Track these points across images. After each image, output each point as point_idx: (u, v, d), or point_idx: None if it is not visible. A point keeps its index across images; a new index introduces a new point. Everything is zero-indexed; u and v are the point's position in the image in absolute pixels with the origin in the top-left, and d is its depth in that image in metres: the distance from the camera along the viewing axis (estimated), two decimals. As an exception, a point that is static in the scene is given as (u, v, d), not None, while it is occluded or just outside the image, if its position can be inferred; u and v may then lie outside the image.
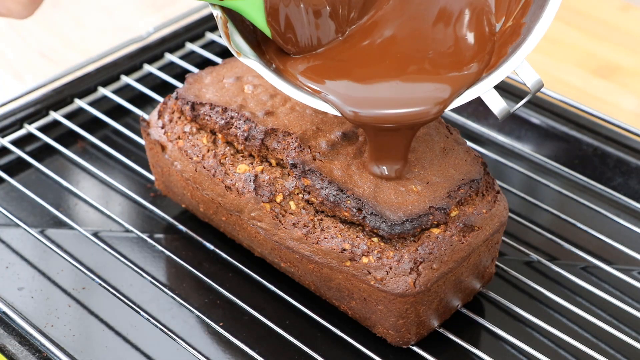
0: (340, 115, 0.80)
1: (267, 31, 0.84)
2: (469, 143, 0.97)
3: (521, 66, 0.81)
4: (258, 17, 0.83)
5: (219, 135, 0.91)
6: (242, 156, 0.90)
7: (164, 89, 1.16)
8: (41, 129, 1.11)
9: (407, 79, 0.83)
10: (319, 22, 0.85)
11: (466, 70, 0.82)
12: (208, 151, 0.91)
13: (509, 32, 0.83)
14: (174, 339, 0.87)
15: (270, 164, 0.88)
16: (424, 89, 0.82)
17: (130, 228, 0.98)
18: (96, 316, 0.91)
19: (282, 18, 0.83)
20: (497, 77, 0.81)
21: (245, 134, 0.89)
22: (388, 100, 0.82)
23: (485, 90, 0.81)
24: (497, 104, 0.81)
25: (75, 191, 1.02)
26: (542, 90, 1.10)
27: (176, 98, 0.95)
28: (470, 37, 0.84)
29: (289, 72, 0.83)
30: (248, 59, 0.81)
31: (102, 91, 1.15)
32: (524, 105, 1.13)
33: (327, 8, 0.84)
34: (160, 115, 0.96)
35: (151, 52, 1.20)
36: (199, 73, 0.97)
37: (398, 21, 0.86)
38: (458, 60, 0.83)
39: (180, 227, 0.98)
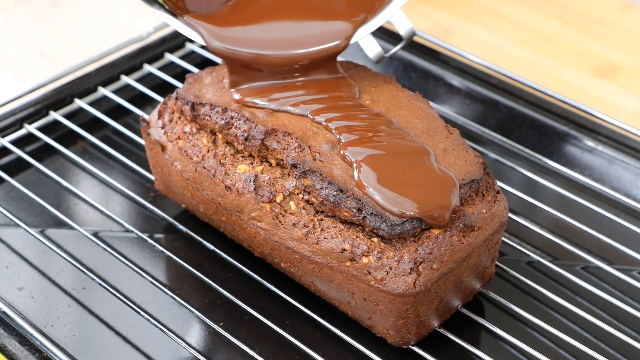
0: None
1: None
2: (469, 143, 0.97)
3: (396, 15, 0.90)
4: None
5: (219, 136, 0.91)
6: (242, 156, 0.90)
7: (164, 89, 1.16)
8: (41, 129, 1.11)
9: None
10: None
11: (350, 16, 0.91)
12: (208, 151, 0.91)
13: None
14: (174, 339, 0.87)
15: (270, 164, 0.88)
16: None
17: (130, 228, 0.98)
18: (96, 316, 0.91)
19: None
20: (373, 24, 0.90)
21: (245, 134, 0.89)
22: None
23: (362, 36, 0.91)
24: (373, 49, 0.93)
25: (75, 191, 1.02)
26: (542, 89, 1.10)
27: (176, 98, 0.95)
28: None
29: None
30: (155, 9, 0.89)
31: (102, 91, 1.15)
32: (523, 105, 1.14)
33: None
34: (160, 115, 0.96)
35: (151, 52, 1.20)
36: (199, 73, 0.97)
37: None
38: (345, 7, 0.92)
39: (180, 227, 0.98)
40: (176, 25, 0.91)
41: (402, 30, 0.91)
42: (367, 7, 0.91)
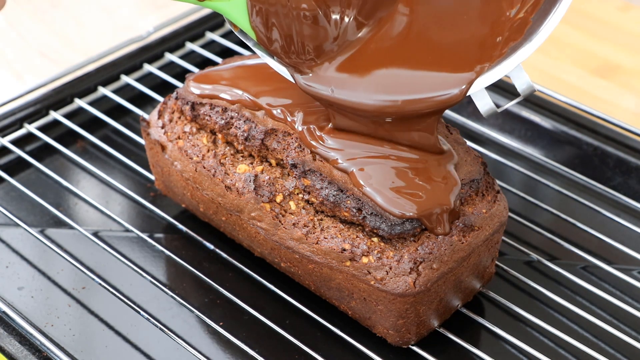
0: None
1: (251, 34, 0.82)
2: (469, 143, 0.97)
3: (515, 69, 0.81)
4: (241, 19, 0.81)
5: (219, 135, 0.91)
6: (242, 156, 0.90)
7: (164, 88, 1.16)
8: (41, 128, 1.11)
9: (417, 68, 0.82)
10: (311, 26, 0.81)
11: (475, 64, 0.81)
12: (208, 151, 0.91)
13: (514, 29, 0.81)
14: (174, 339, 0.87)
15: (270, 164, 0.88)
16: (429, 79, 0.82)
17: (130, 228, 0.98)
18: (96, 316, 0.91)
19: (266, 20, 0.80)
20: (491, 77, 0.80)
21: (245, 134, 0.89)
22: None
23: (476, 90, 0.81)
24: (485, 103, 0.82)
25: (75, 191, 1.02)
26: (543, 89, 1.10)
27: (176, 98, 0.95)
28: (484, 29, 0.81)
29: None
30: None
31: (102, 91, 1.15)
32: (523, 104, 1.14)
33: (319, 11, 0.81)
34: (160, 115, 0.96)
35: (151, 51, 1.20)
36: (199, 73, 0.97)
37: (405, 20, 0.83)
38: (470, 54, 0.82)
39: (180, 227, 0.98)
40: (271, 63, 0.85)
41: (520, 86, 0.82)
42: (485, 58, 0.81)
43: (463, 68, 0.81)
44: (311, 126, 0.86)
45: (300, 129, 0.86)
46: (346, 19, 0.82)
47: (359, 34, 0.83)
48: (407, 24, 0.83)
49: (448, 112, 1.14)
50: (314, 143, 0.85)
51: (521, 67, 0.81)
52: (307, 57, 0.82)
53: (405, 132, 0.83)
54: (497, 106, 0.85)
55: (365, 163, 0.83)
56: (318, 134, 0.85)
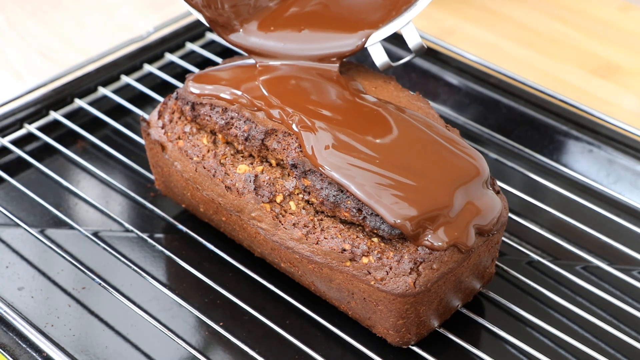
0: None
1: None
2: (469, 143, 0.96)
3: (406, 27, 0.92)
4: None
5: (219, 136, 0.91)
6: (242, 156, 0.90)
7: (164, 89, 1.16)
8: (41, 128, 1.11)
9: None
10: None
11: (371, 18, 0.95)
12: (208, 151, 0.91)
13: None
14: (174, 339, 0.87)
15: (271, 164, 0.88)
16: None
17: (130, 228, 0.98)
18: (96, 316, 0.91)
19: None
20: (384, 32, 0.93)
21: (246, 134, 0.89)
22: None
23: (373, 43, 0.93)
24: (381, 57, 0.94)
25: (75, 191, 1.02)
26: (542, 89, 1.10)
27: (176, 98, 0.95)
28: None
29: None
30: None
31: (102, 91, 1.15)
32: (523, 105, 1.14)
33: None
34: (160, 115, 0.96)
35: (151, 52, 1.20)
36: (199, 73, 0.97)
37: None
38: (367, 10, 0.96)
39: (180, 227, 0.98)
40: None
41: (411, 43, 0.93)
42: (382, 17, 0.94)
43: (362, 26, 0.94)
44: (311, 135, 0.86)
45: (297, 130, 0.87)
46: None
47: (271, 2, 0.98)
48: None
49: (448, 113, 1.14)
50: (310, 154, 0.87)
51: (412, 26, 0.93)
52: (226, 16, 0.96)
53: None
54: (393, 60, 0.97)
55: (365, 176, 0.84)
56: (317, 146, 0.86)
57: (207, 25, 0.97)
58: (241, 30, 0.96)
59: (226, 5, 0.96)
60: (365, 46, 0.94)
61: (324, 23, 0.96)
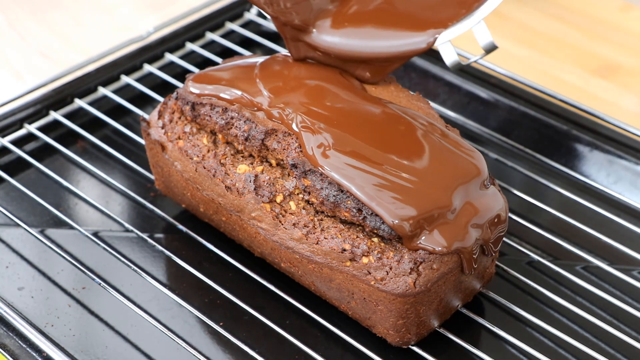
0: None
1: None
2: (469, 143, 0.96)
3: (478, 25, 0.89)
4: None
5: (219, 136, 0.91)
6: (242, 156, 0.90)
7: (164, 89, 1.16)
8: (41, 128, 1.11)
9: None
10: None
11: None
12: (208, 151, 0.91)
13: None
14: (174, 339, 0.87)
15: (271, 164, 0.88)
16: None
17: (130, 228, 0.98)
18: (96, 316, 0.91)
19: None
20: (455, 31, 0.90)
21: (246, 134, 0.89)
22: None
23: (443, 42, 0.91)
24: (451, 55, 0.91)
25: (75, 191, 1.02)
26: (543, 89, 1.10)
27: (176, 98, 0.95)
28: None
29: None
30: None
31: (102, 91, 1.15)
32: (523, 105, 1.14)
33: None
34: (160, 115, 0.96)
35: (151, 52, 1.20)
36: (199, 73, 0.97)
37: None
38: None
39: (180, 227, 0.98)
40: None
41: (482, 42, 0.90)
42: (452, 16, 0.92)
43: (433, 24, 0.91)
44: (311, 135, 0.86)
45: (297, 130, 0.87)
46: None
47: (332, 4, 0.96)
48: None
49: (448, 112, 1.14)
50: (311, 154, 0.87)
51: (484, 24, 0.89)
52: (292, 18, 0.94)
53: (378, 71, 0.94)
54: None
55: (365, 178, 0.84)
56: (317, 149, 0.86)
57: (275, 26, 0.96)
58: (314, 30, 0.94)
59: (288, 4, 0.94)
60: (434, 45, 0.92)
61: (392, 21, 0.94)
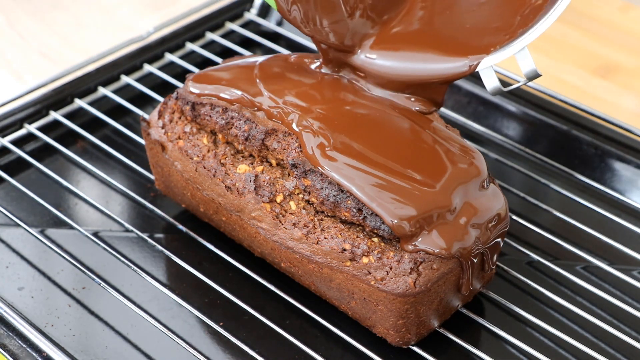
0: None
1: (271, 2, 0.86)
2: (469, 143, 0.96)
3: (521, 52, 0.86)
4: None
5: (219, 136, 0.91)
6: (243, 156, 0.90)
7: (164, 89, 1.16)
8: (41, 128, 1.11)
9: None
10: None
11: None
12: (208, 151, 0.91)
13: (527, 15, 0.87)
14: (174, 339, 0.87)
15: (271, 164, 0.88)
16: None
17: (130, 228, 0.98)
18: (96, 316, 0.91)
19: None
20: (498, 57, 0.86)
21: (246, 134, 0.89)
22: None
23: (484, 67, 0.87)
24: (492, 81, 0.88)
25: (75, 191, 1.02)
26: (543, 89, 1.10)
27: (176, 98, 0.95)
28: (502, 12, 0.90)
29: None
30: None
31: (102, 91, 1.15)
32: (524, 105, 1.14)
33: None
34: (160, 115, 0.96)
35: (151, 52, 1.20)
36: (199, 73, 0.97)
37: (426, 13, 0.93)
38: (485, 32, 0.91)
39: (180, 227, 0.98)
40: None
41: (525, 69, 0.87)
42: (496, 40, 0.89)
43: (476, 49, 0.89)
44: (311, 135, 0.86)
45: (297, 130, 0.87)
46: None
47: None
48: (428, 11, 0.94)
49: (448, 112, 1.14)
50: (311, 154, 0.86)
51: (527, 51, 0.86)
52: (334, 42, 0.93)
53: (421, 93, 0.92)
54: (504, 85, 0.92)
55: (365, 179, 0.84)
56: (317, 149, 0.86)
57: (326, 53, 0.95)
58: (359, 51, 0.92)
59: (325, 23, 0.92)
60: (476, 69, 0.89)
61: (434, 45, 0.92)
